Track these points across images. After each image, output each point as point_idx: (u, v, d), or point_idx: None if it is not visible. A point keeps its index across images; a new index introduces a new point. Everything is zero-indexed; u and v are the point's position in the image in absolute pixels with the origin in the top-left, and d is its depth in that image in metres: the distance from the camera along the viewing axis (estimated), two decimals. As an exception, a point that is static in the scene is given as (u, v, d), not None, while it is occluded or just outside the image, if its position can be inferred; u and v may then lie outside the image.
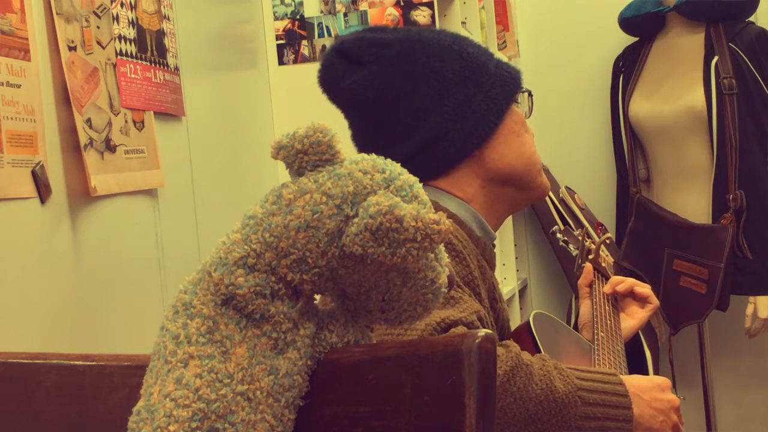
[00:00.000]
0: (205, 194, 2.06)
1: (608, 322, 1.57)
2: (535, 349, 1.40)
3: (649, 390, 1.30)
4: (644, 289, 1.64)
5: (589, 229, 2.88)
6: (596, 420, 1.22)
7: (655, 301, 1.64)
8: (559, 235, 1.94)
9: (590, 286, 1.67)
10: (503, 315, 1.48)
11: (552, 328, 1.51)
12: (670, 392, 1.33)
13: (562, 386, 1.22)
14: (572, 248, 1.78)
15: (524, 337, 1.44)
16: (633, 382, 1.30)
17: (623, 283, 1.65)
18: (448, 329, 1.20)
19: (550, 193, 2.98)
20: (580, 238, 1.82)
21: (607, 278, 1.72)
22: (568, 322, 1.75)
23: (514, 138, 1.45)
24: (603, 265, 1.75)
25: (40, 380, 1.04)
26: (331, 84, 1.45)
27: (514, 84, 1.47)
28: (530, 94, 1.53)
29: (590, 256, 1.75)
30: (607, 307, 1.62)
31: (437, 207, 1.40)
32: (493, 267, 1.48)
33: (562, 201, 3.03)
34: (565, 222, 3.00)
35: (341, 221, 0.89)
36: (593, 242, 1.78)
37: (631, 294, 1.65)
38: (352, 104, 1.45)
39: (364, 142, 1.46)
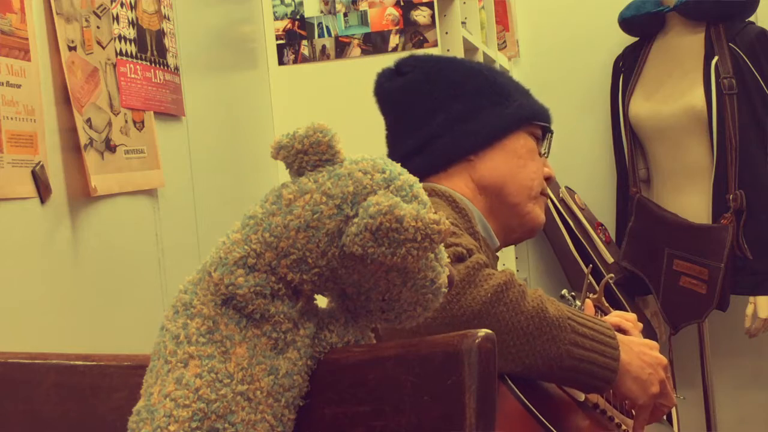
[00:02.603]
0: (205, 194, 2.06)
1: None
2: None
3: (638, 345, 1.33)
4: (626, 324, 1.66)
5: (582, 219, 2.88)
6: (585, 350, 1.24)
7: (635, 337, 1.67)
8: (567, 297, 1.99)
9: None
10: None
11: None
12: (657, 352, 1.35)
13: (553, 310, 1.24)
14: (577, 303, 1.84)
15: None
16: (623, 335, 1.33)
17: (613, 318, 1.67)
18: (448, 247, 1.23)
19: (550, 194, 2.98)
20: (582, 297, 1.85)
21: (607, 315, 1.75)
22: None
23: (515, 159, 1.53)
24: (606, 304, 1.78)
25: (40, 380, 1.04)
26: (377, 89, 1.63)
27: (533, 114, 1.56)
28: (551, 132, 1.62)
29: (592, 295, 1.77)
30: None
31: (452, 197, 1.46)
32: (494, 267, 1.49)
33: (562, 201, 3.03)
34: (564, 222, 3.00)
35: (341, 221, 0.89)
36: (593, 295, 1.81)
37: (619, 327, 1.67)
38: (385, 104, 1.62)
39: (388, 135, 1.62)
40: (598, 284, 1.82)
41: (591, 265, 2.04)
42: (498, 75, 1.60)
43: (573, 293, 1.97)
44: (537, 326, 1.22)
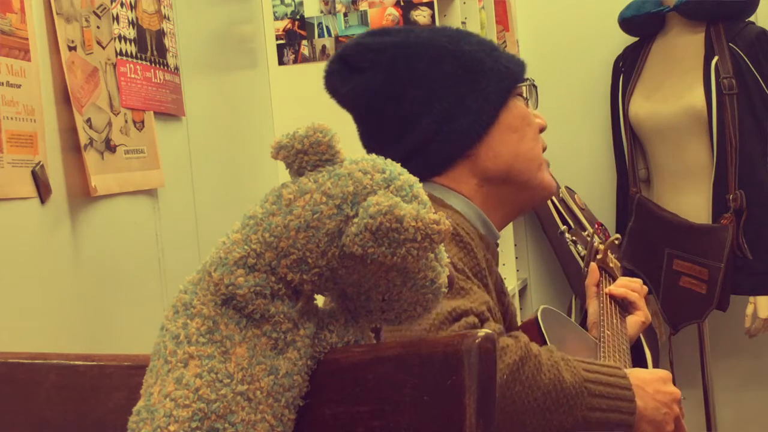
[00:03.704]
0: (205, 194, 2.06)
1: (614, 320, 1.57)
2: (542, 344, 1.41)
3: (652, 383, 1.31)
4: (632, 295, 1.64)
5: (582, 219, 2.88)
6: (602, 411, 1.23)
7: (640, 310, 1.64)
8: (567, 235, 1.94)
9: (597, 285, 1.67)
10: (511, 309, 1.49)
11: (559, 323, 1.51)
12: (671, 385, 1.34)
13: (569, 377, 1.23)
14: (580, 248, 1.79)
15: (532, 331, 1.44)
16: (636, 375, 1.31)
17: (619, 288, 1.65)
18: (459, 318, 1.21)
19: (558, 204, 2.98)
20: (588, 238, 1.81)
21: (615, 278, 1.72)
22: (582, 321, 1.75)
23: (512, 134, 1.43)
24: (611, 265, 1.75)
25: (40, 380, 1.04)
26: (333, 90, 1.48)
27: (512, 79, 1.45)
28: (534, 86, 1.50)
29: (598, 256, 1.75)
30: (613, 307, 1.62)
31: (442, 204, 1.41)
32: (497, 264, 1.48)
33: (562, 201, 3.03)
34: (564, 222, 3.00)
35: (341, 221, 0.89)
36: (602, 242, 1.78)
37: (624, 299, 1.65)
38: (351, 109, 1.48)
39: (365, 145, 1.49)
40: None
41: (596, 224, 2.01)
42: (463, 43, 1.44)
43: (574, 239, 1.93)
44: (554, 400, 1.21)
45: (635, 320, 1.61)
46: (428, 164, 1.42)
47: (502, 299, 1.45)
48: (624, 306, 1.64)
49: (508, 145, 1.43)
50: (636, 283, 1.67)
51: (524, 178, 1.45)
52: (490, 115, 1.42)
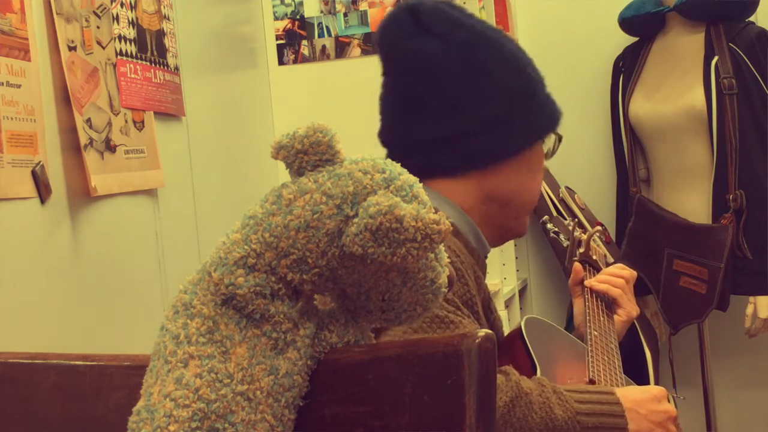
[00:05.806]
0: (205, 194, 2.06)
1: (600, 318, 1.55)
2: (527, 356, 1.40)
3: (645, 403, 1.30)
4: (613, 291, 1.60)
5: (582, 219, 2.86)
6: None
7: (622, 308, 1.60)
8: (549, 226, 1.91)
9: (581, 284, 1.64)
10: (497, 324, 1.48)
11: (544, 332, 1.50)
12: (666, 402, 1.33)
13: (561, 413, 1.23)
14: (563, 239, 1.75)
15: (516, 343, 1.43)
16: (629, 396, 1.30)
17: (600, 284, 1.61)
18: None
19: (550, 193, 2.98)
20: (570, 228, 1.77)
21: (599, 270, 1.69)
22: (570, 321, 1.73)
23: (527, 173, 1.44)
24: (594, 257, 1.71)
25: (40, 380, 1.04)
26: (392, 38, 1.41)
27: (552, 122, 1.46)
28: (560, 139, 1.50)
29: (580, 249, 1.71)
30: (599, 304, 1.59)
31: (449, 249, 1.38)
32: (485, 276, 1.46)
33: (562, 201, 3.03)
34: (558, 214, 3.00)
35: (341, 221, 0.89)
36: (584, 232, 1.74)
37: (606, 296, 1.62)
38: (399, 65, 1.41)
39: (391, 102, 1.43)
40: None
41: (576, 219, 1.97)
42: (530, 67, 1.44)
43: (556, 229, 1.89)
44: None
45: (617, 320, 1.58)
46: (442, 163, 1.39)
47: (488, 315, 1.44)
48: (608, 302, 1.62)
49: (520, 178, 1.43)
50: (619, 273, 1.63)
51: (515, 213, 1.46)
52: (522, 145, 1.42)
